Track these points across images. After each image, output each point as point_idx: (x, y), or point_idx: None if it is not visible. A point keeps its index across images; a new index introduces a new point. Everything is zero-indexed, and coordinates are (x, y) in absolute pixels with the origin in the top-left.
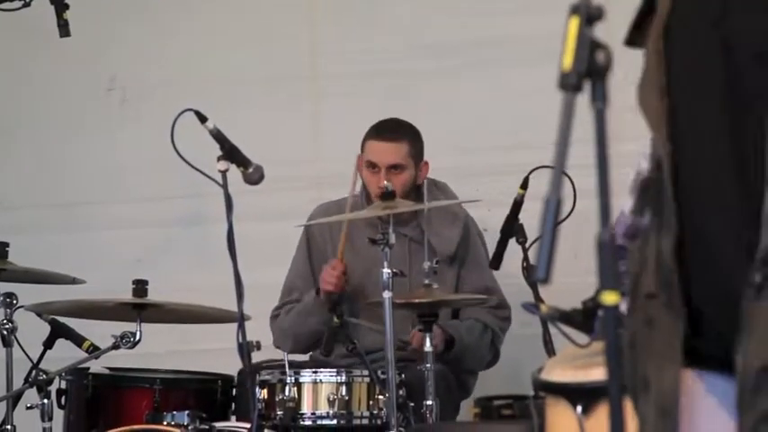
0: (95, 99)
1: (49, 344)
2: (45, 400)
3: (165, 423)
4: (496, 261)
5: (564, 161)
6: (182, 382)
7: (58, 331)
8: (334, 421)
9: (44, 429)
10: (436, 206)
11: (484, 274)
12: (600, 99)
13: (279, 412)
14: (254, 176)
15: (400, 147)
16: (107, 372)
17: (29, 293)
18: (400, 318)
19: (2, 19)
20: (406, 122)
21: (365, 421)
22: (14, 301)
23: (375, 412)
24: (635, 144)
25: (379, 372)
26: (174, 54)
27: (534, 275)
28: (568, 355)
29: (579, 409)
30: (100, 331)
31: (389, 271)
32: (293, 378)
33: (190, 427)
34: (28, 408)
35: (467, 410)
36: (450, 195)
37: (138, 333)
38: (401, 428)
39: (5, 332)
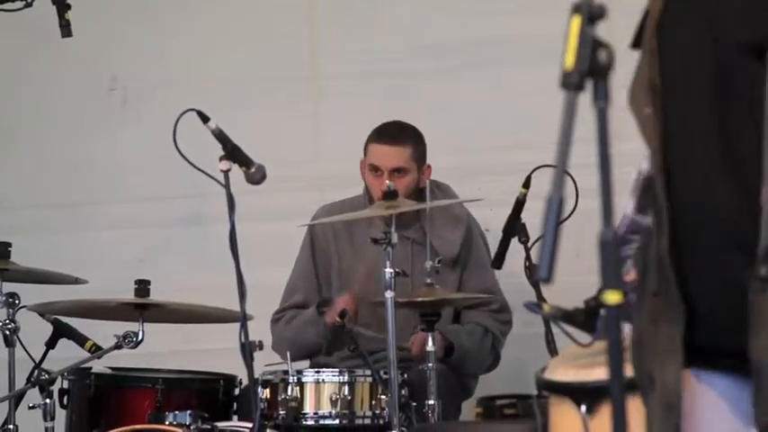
0: (96, 99)
1: (51, 344)
2: (47, 400)
3: (167, 423)
4: (499, 260)
5: (566, 160)
6: (184, 381)
7: (61, 331)
8: (337, 421)
9: (46, 429)
10: (438, 209)
11: (486, 276)
12: (602, 98)
13: (281, 412)
14: (257, 176)
15: (403, 150)
16: (109, 372)
17: (31, 293)
18: (402, 318)
19: (3, 19)
20: (409, 125)
21: (367, 421)
22: (17, 301)
23: (377, 412)
24: (637, 143)
25: (382, 372)
26: (174, 54)
27: (536, 275)
28: (571, 354)
29: (584, 408)
30: (102, 331)
31: (392, 270)
32: (296, 378)
33: (192, 427)
34: (30, 407)
35: (469, 410)
36: (452, 197)
37: (140, 333)
38: (403, 428)
39: (8, 332)
